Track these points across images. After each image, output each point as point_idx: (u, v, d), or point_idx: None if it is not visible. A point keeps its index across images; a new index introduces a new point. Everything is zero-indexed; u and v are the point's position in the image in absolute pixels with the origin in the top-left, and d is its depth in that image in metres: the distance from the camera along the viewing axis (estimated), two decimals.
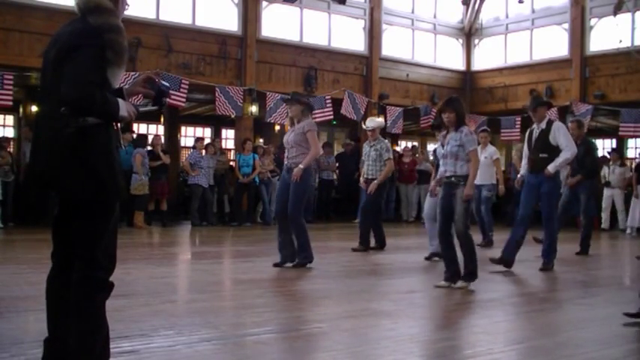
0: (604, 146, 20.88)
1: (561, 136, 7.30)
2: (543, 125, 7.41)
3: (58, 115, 2.82)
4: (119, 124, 3.05)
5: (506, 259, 7.34)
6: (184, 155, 18.20)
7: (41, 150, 2.93)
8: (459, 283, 6.06)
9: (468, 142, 6.10)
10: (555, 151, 7.25)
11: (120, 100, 2.95)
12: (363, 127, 10.09)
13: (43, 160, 2.91)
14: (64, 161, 2.84)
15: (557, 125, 7.44)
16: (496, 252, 9.49)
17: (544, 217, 7.51)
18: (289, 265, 7.24)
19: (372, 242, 9.33)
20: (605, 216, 14.31)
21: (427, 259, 8.28)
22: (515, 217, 8.11)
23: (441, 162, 6.30)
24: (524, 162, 7.67)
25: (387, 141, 9.58)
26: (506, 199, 16.50)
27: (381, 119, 10.51)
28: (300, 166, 7.09)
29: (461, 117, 6.16)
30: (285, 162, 7.43)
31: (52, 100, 2.87)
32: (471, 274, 6.10)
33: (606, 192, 14.23)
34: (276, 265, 7.25)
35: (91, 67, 2.80)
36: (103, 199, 2.92)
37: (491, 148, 10.36)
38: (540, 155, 7.31)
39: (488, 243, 10.07)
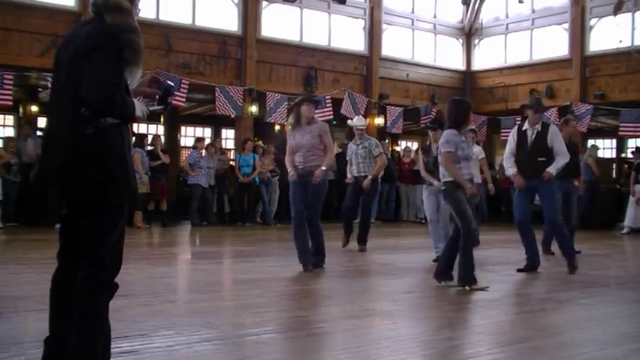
0: (604, 146, 20.89)
1: (557, 141, 7.28)
2: (539, 127, 7.34)
3: (76, 116, 2.82)
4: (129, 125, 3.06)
5: (532, 265, 7.32)
6: (184, 155, 18.21)
7: (55, 150, 2.92)
8: (473, 286, 5.97)
9: (440, 145, 6.13)
10: (552, 154, 7.23)
11: (135, 101, 2.97)
12: (350, 123, 9.95)
13: (56, 160, 2.90)
14: (79, 161, 2.84)
15: (554, 129, 7.40)
16: (474, 251, 9.46)
17: (548, 221, 7.45)
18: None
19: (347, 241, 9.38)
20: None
21: (435, 261, 8.23)
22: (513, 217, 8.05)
23: (468, 163, 6.27)
24: (513, 160, 7.41)
25: (375, 139, 9.56)
26: (501, 198, 16.54)
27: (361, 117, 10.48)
28: (322, 167, 6.97)
29: (445, 119, 6.17)
30: (300, 165, 7.07)
31: (68, 101, 2.87)
32: (465, 278, 6.00)
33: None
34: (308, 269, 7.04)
35: (111, 69, 2.81)
36: (115, 200, 2.93)
37: (476, 148, 10.38)
38: (539, 159, 7.24)
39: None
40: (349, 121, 10.34)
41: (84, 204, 2.94)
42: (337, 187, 16.17)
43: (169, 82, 3.32)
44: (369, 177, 9.01)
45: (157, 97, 3.27)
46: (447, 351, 3.90)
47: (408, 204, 16.28)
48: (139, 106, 2.98)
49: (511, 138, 7.55)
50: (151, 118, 3.21)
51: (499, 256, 9.28)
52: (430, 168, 7.91)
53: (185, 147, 18.91)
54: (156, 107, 3.26)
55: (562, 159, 7.23)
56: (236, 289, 6.29)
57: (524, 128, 7.43)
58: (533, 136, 7.30)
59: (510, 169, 7.47)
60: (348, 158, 9.49)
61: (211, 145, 14.50)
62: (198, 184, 13.39)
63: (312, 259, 7.12)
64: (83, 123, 2.82)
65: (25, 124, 13.94)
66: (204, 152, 13.82)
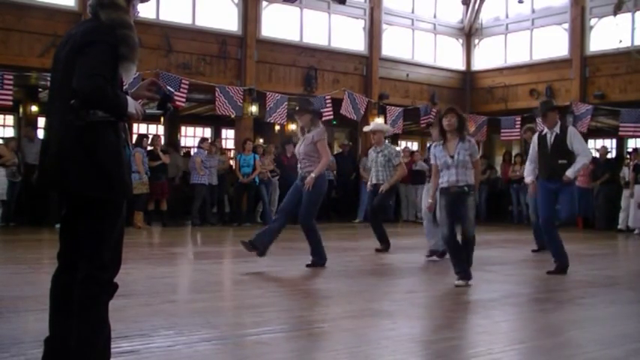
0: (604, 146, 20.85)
1: (577, 141, 7.28)
2: (557, 130, 7.33)
3: (68, 109, 2.83)
4: (126, 124, 3.06)
5: (564, 266, 7.27)
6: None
7: (51, 147, 2.93)
8: (459, 282, 6.17)
9: (475, 152, 6.38)
10: (573, 155, 7.22)
11: (129, 98, 2.97)
12: (365, 129, 10.21)
13: (52, 156, 2.90)
14: (73, 157, 2.84)
15: (573, 130, 7.45)
16: (474, 251, 9.45)
17: (562, 220, 7.41)
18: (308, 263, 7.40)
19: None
20: (623, 216, 14.06)
21: (428, 256, 8.38)
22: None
23: (448, 171, 6.28)
24: (532, 167, 7.53)
25: (395, 147, 9.65)
26: (508, 198, 16.54)
27: (383, 123, 10.63)
28: (312, 174, 7.22)
29: (463, 124, 6.29)
30: (299, 171, 7.55)
31: (64, 97, 2.87)
32: (469, 273, 6.30)
33: (625, 192, 14.04)
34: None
35: (103, 62, 2.81)
36: (110, 198, 2.92)
37: None
38: (559, 161, 7.23)
39: None
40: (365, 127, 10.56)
41: (81, 204, 2.94)
42: (337, 187, 16.27)
43: (169, 88, 3.33)
44: (387, 184, 9.10)
45: (157, 102, 3.28)
46: (447, 351, 3.90)
47: (408, 204, 16.28)
48: (133, 104, 2.97)
49: (532, 144, 7.68)
50: (151, 118, 3.21)
51: (499, 256, 9.29)
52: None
53: (185, 147, 18.91)
54: (155, 111, 3.26)
55: (582, 159, 7.23)
56: (236, 289, 6.29)
57: (544, 132, 7.48)
58: (552, 139, 7.32)
59: (527, 178, 7.67)
60: (368, 165, 9.79)
61: (212, 143, 14.49)
62: (202, 183, 13.39)
63: (313, 258, 7.38)
64: (74, 114, 2.82)
65: (27, 126, 13.93)
66: (205, 152, 13.79)
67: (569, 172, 7.12)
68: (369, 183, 9.61)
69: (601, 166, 14.76)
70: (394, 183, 9.20)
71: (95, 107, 2.83)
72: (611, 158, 16.39)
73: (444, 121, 6.26)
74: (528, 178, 7.63)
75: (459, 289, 6.04)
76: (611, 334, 4.38)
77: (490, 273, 7.34)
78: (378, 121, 10.63)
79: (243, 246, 7.37)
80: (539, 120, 7.48)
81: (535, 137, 7.67)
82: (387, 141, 9.65)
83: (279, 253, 7.82)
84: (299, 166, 7.58)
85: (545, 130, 7.44)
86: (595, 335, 4.36)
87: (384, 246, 9.22)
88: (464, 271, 6.23)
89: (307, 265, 7.30)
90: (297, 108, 7.74)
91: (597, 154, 15.20)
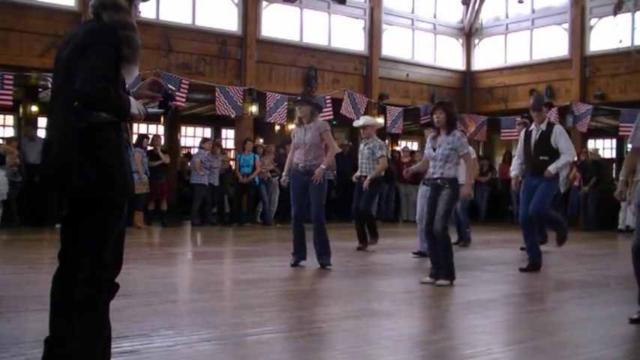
0: (604, 146, 20.89)
1: (562, 139, 7.30)
2: (543, 127, 7.37)
3: (71, 110, 2.83)
4: (127, 124, 3.06)
5: (535, 264, 7.31)
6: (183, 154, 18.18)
7: (53, 147, 2.93)
8: (440, 282, 6.22)
9: (460, 146, 6.33)
10: (555, 153, 7.24)
11: (131, 98, 2.97)
12: (354, 124, 10.24)
13: (54, 157, 2.90)
14: (75, 157, 2.85)
15: (559, 128, 7.44)
16: (474, 251, 9.50)
17: (531, 213, 7.33)
18: (303, 263, 7.32)
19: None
20: (623, 216, 14.06)
21: (415, 254, 8.54)
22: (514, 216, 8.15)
23: (430, 163, 6.45)
24: (519, 162, 7.59)
25: (381, 141, 9.64)
26: (508, 198, 16.53)
27: (374, 118, 10.66)
28: (322, 166, 7.15)
29: (452, 119, 6.34)
30: (301, 163, 7.25)
31: (66, 97, 2.88)
32: (449, 273, 6.27)
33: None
34: (293, 264, 7.29)
35: (106, 64, 2.81)
36: (112, 199, 2.93)
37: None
38: (541, 157, 7.26)
39: (466, 242, 10.07)
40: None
41: (83, 204, 2.94)
42: (337, 187, 16.27)
43: (170, 87, 3.33)
44: (369, 177, 9.10)
45: (159, 101, 3.28)
46: (446, 351, 3.91)
47: (408, 204, 16.28)
48: (135, 104, 2.97)
49: (520, 139, 7.74)
50: (152, 118, 3.22)
51: (499, 256, 9.29)
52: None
53: (185, 147, 18.91)
54: (157, 110, 3.26)
55: (567, 156, 7.27)
56: (236, 289, 6.30)
57: (530, 128, 7.52)
58: (537, 136, 7.36)
59: (512, 171, 7.78)
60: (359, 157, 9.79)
61: (216, 144, 14.51)
62: (202, 183, 13.40)
63: (320, 259, 7.26)
64: (77, 116, 2.82)
65: (27, 125, 13.94)
66: (206, 153, 13.79)
67: (551, 168, 7.19)
68: (355, 175, 9.58)
69: (589, 167, 14.75)
70: (376, 176, 9.19)
71: (98, 109, 2.84)
72: (598, 160, 16.33)
73: (434, 117, 6.43)
74: (513, 173, 7.75)
75: (458, 289, 6.04)
76: (610, 334, 4.38)
77: (489, 273, 7.35)
78: (368, 117, 10.66)
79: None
80: (534, 114, 7.44)
81: (522, 133, 7.75)
82: (386, 141, 9.64)
83: (279, 253, 7.82)
84: (303, 158, 7.22)
85: (532, 126, 7.47)
86: (594, 335, 4.36)
87: (362, 245, 9.30)
88: (433, 269, 6.31)
89: (323, 268, 7.14)
90: (298, 98, 7.68)
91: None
